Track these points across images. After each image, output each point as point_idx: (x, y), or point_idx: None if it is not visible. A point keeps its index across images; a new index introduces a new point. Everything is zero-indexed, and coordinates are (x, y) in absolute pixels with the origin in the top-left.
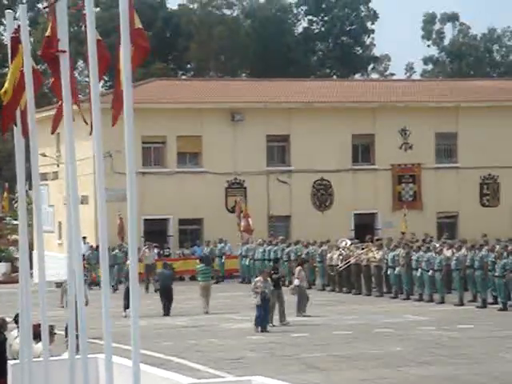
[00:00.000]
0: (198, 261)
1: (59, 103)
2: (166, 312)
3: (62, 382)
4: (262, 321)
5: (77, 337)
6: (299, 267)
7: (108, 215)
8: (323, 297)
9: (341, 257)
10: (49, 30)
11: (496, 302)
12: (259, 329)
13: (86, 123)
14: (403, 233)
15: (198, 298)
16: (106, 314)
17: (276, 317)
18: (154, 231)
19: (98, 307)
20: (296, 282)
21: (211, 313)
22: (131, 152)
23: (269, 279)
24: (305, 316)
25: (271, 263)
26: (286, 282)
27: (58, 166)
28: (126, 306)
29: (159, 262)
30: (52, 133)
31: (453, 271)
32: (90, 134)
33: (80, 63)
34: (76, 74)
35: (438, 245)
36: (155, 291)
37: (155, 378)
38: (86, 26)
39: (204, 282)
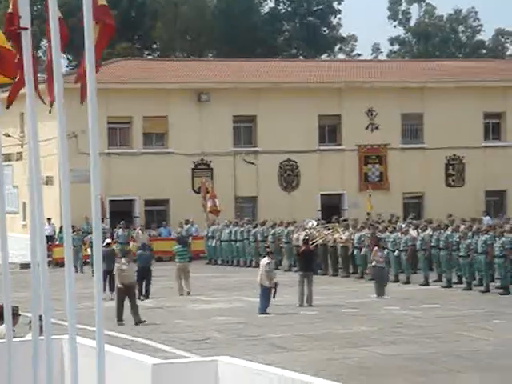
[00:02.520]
0: (175, 242)
1: (17, 78)
2: (146, 294)
3: (25, 363)
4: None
5: (40, 318)
6: (376, 247)
7: (73, 196)
8: (290, 277)
9: (307, 237)
10: (10, 6)
11: (461, 282)
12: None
13: (44, 103)
14: (368, 213)
15: (170, 280)
16: (69, 295)
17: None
18: (120, 212)
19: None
20: (373, 262)
21: (180, 294)
22: (95, 132)
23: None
24: (383, 298)
25: (237, 244)
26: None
27: (22, 146)
28: (104, 288)
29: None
30: (7, 107)
31: (418, 251)
32: (50, 112)
33: (44, 43)
34: (40, 54)
35: (403, 225)
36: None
37: (120, 358)
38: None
39: (181, 263)
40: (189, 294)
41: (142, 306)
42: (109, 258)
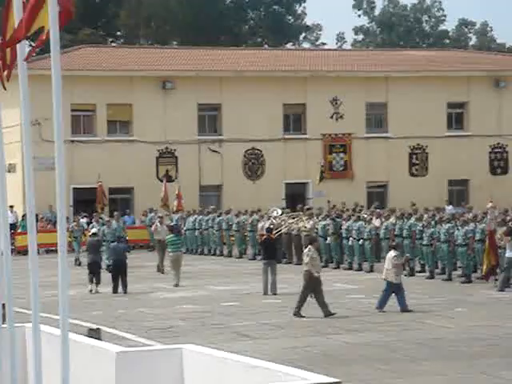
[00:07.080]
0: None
1: None
2: (123, 289)
3: None
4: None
5: (3, 306)
6: (509, 236)
7: (36, 184)
8: (254, 266)
9: (272, 226)
10: None
11: (424, 271)
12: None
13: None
14: (329, 201)
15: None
16: (33, 283)
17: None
18: (84, 200)
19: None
20: (508, 252)
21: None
22: (59, 120)
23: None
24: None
25: (202, 233)
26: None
27: None
28: (91, 280)
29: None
30: None
31: (382, 240)
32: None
33: None
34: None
35: (365, 215)
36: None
37: (84, 346)
38: None
39: (174, 252)
40: (176, 285)
41: (105, 295)
42: (94, 249)
